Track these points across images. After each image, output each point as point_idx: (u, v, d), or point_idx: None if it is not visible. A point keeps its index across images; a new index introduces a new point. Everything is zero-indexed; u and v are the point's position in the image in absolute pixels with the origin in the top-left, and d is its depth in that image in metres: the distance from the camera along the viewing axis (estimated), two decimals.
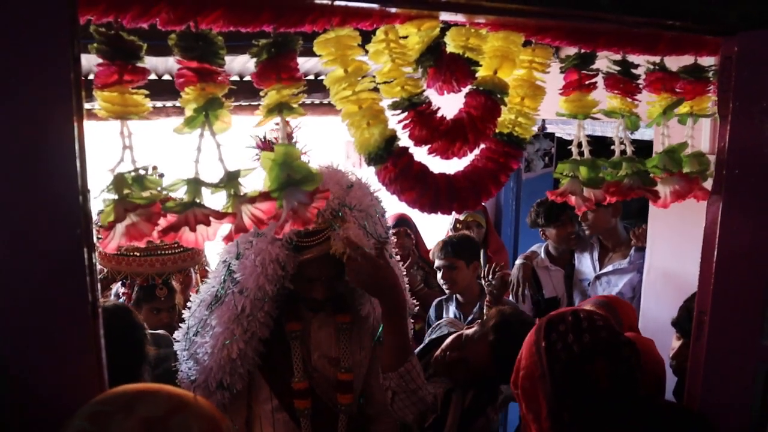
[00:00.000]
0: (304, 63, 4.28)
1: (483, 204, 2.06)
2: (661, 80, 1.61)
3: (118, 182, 1.09)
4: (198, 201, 1.13)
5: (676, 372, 2.07)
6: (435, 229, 4.30)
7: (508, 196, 4.71)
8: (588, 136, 1.63)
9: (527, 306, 3.54)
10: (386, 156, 1.36)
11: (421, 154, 1.49)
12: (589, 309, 1.46)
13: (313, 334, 2.00)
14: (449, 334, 2.32)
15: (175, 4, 1.14)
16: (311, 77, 4.70)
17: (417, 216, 3.83)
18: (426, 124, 1.39)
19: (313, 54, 1.32)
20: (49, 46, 0.92)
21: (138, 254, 2.78)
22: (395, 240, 3.60)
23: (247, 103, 4.28)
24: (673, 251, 3.00)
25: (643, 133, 2.64)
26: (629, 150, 1.62)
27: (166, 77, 4.15)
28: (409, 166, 1.39)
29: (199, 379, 1.88)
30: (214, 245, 1.43)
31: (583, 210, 1.60)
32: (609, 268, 3.48)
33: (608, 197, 1.58)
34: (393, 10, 1.30)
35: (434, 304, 3.47)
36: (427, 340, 2.49)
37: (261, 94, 1.25)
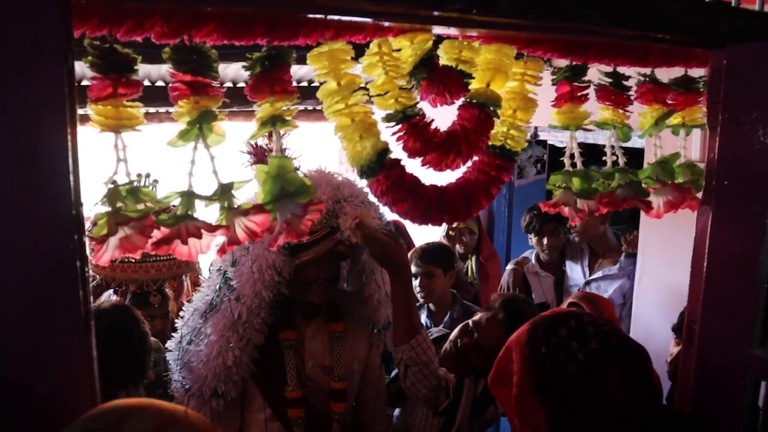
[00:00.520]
0: (298, 70, 4.29)
1: None
2: (652, 91, 1.63)
3: (112, 195, 1.10)
4: (191, 214, 1.13)
5: (672, 377, 2.08)
6: (427, 236, 4.31)
7: (501, 202, 4.73)
8: (580, 144, 1.64)
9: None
10: (378, 168, 1.37)
11: (413, 165, 1.50)
12: (589, 312, 1.40)
13: (307, 342, 2.00)
14: (445, 336, 2.32)
15: (169, 18, 1.14)
16: (305, 84, 4.71)
17: (410, 223, 3.83)
18: (420, 136, 1.40)
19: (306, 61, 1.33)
20: (43, 60, 0.92)
21: (133, 260, 2.78)
22: None
23: (239, 110, 4.29)
24: (665, 258, 3.02)
25: (634, 141, 2.66)
26: (621, 161, 1.63)
27: (160, 83, 4.16)
28: (400, 178, 1.40)
29: (194, 388, 1.87)
30: (207, 255, 1.44)
31: (576, 221, 1.61)
32: (599, 274, 3.51)
33: (601, 208, 1.59)
34: (386, 23, 1.31)
35: None
36: None
37: (255, 106, 1.26)
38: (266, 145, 1.87)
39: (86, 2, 1.04)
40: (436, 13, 1.24)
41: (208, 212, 1.19)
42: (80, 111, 1.01)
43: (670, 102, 1.66)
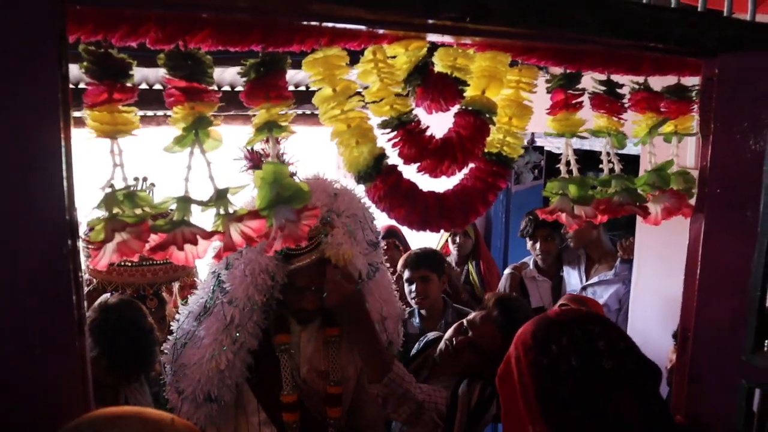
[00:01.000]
0: (295, 75, 4.30)
1: None
2: (646, 100, 1.64)
3: (109, 200, 1.10)
4: (187, 219, 1.14)
5: (671, 383, 2.09)
6: (424, 241, 4.31)
7: (498, 208, 4.74)
8: (576, 150, 1.65)
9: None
10: (375, 174, 1.38)
11: (410, 172, 1.51)
12: (600, 319, 1.22)
13: (303, 347, 2.00)
14: (440, 338, 2.32)
15: (163, 24, 1.15)
16: (302, 88, 4.72)
17: (406, 229, 3.84)
18: (415, 142, 1.41)
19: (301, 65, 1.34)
20: (37, 66, 0.93)
21: (129, 264, 2.78)
22: (384, 252, 3.60)
23: (237, 113, 4.29)
24: (661, 264, 3.03)
25: (630, 148, 2.68)
26: (617, 167, 1.64)
27: (157, 86, 4.16)
28: (397, 184, 1.41)
29: (187, 391, 1.87)
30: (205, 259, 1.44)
31: (573, 228, 1.61)
32: (594, 279, 3.53)
33: (599, 215, 1.59)
34: (381, 30, 1.32)
35: None
36: (415, 349, 2.49)
37: (250, 113, 1.26)
38: (263, 149, 1.87)
39: (81, 7, 1.04)
40: (430, 21, 1.25)
41: (203, 217, 1.20)
42: (76, 114, 1.02)
43: (663, 110, 1.66)
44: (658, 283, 3.08)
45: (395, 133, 1.43)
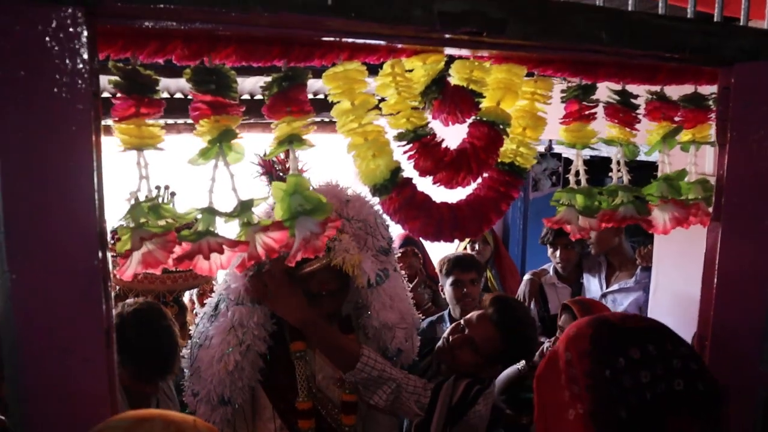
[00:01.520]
0: (313, 83, 4.34)
1: None
2: (660, 109, 1.65)
3: (135, 211, 1.14)
4: (212, 230, 1.17)
5: None
6: (442, 249, 4.33)
7: (516, 215, 4.74)
8: (593, 157, 1.66)
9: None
10: (391, 186, 1.40)
11: (423, 181, 1.53)
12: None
13: (318, 354, 2.00)
14: None
15: (189, 41, 1.19)
16: (321, 96, 4.76)
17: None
18: (430, 155, 1.43)
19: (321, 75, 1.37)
20: (71, 84, 0.96)
21: (150, 271, 2.81)
22: (402, 259, 3.62)
23: (256, 122, 4.34)
24: (680, 271, 3.02)
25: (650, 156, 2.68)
26: (626, 178, 1.65)
27: (178, 95, 4.22)
28: (412, 197, 1.43)
29: (201, 393, 1.89)
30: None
31: (577, 237, 1.62)
32: (615, 286, 3.51)
33: (603, 225, 1.60)
34: (399, 45, 1.35)
35: (425, 326, 3.30)
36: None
37: (272, 126, 1.29)
38: (276, 158, 1.90)
39: (111, 26, 1.08)
40: (447, 36, 1.28)
41: (225, 228, 1.23)
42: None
43: (678, 119, 1.67)
44: (675, 290, 3.06)
45: (411, 145, 1.45)
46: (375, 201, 1.98)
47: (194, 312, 2.44)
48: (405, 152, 1.44)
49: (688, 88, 1.71)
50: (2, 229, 0.94)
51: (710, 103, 1.68)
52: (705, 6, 1.64)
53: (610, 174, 1.71)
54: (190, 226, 1.23)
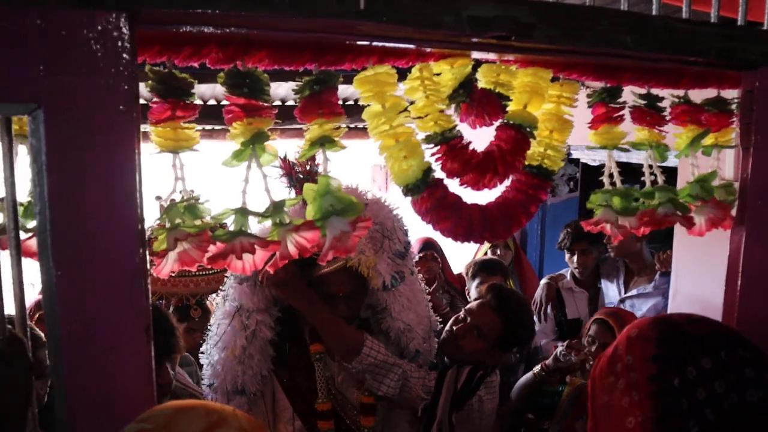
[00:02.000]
0: (344, 89, 4.40)
1: None
2: (687, 112, 1.65)
3: (172, 212, 1.17)
4: (244, 230, 1.19)
5: None
6: (460, 254, 4.34)
7: (534, 220, 4.74)
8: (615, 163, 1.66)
9: (550, 326, 3.57)
10: (423, 187, 1.42)
11: (452, 184, 1.55)
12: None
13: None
14: None
15: (224, 45, 1.22)
16: (339, 102, 4.80)
17: (442, 240, 3.88)
18: (458, 157, 1.45)
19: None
20: (115, 86, 0.99)
21: (173, 275, 2.83)
22: (421, 263, 3.64)
23: (285, 127, 4.40)
24: (699, 276, 3.01)
25: (668, 160, 2.68)
26: (660, 179, 1.65)
27: (211, 102, 4.28)
28: (444, 197, 1.45)
29: (216, 383, 1.93)
30: None
31: (618, 239, 1.62)
32: (633, 291, 3.50)
33: (642, 226, 1.61)
34: (428, 49, 1.38)
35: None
36: None
37: (303, 128, 1.32)
38: (296, 159, 1.93)
39: (148, 31, 1.11)
40: (475, 40, 1.30)
41: (256, 228, 1.25)
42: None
43: (704, 122, 1.68)
44: (695, 295, 3.05)
45: (438, 148, 1.47)
46: (394, 205, 2.01)
47: None
48: (433, 154, 1.46)
49: (710, 93, 1.72)
50: (49, 228, 0.97)
51: (733, 107, 1.69)
52: (728, 11, 1.64)
53: (634, 182, 1.71)
54: (224, 227, 1.26)
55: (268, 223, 1.23)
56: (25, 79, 0.94)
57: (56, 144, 0.96)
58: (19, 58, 0.94)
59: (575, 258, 3.65)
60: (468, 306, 2.32)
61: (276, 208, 1.22)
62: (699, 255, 2.96)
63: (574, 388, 2.44)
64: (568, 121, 1.59)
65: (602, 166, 1.66)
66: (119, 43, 0.99)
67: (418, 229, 2.10)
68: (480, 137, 1.60)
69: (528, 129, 1.52)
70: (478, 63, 1.49)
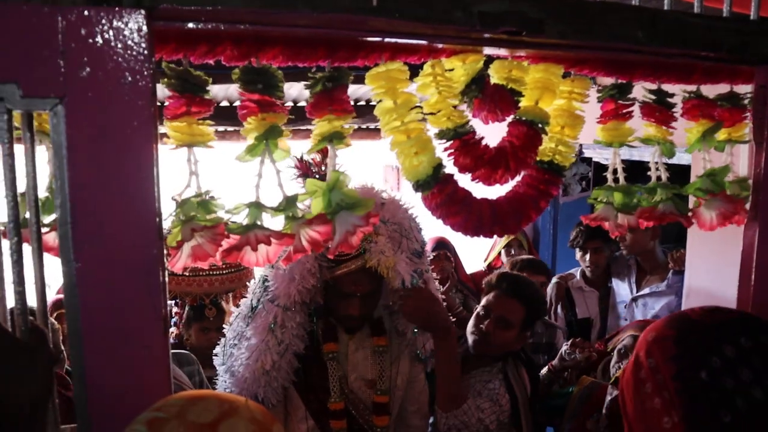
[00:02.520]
0: (357, 89, 4.42)
1: None
2: (698, 107, 1.65)
3: (187, 206, 1.18)
4: (259, 223, 1.21)
5: None
6: (474, 253, 4.34)
7: (546, 220, 4.73)
8: (625, 161, 1.67)
9: (560, 325, 3.57)
10: (433, 182, 1.43)
11: (462, 180, 1.56)
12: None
13: (350, 356, 2.03)
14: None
15: (238, 42, 1.24)
16: (362, 103, 4.83)
17: (456, 240, 3.88)
18: (470, 152, 1.46)
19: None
20: (134, 81, 1.01)
21: (187, 274, 2.86)
22: (435, 263, 3.65)
23: (297, 128, 4.43)
24: (713, 274, 2.99)
25: (680, 158, 2.67)
26: (664, 176, 1.65)
27: (224, 104, 4.31)
28: (454, 192, 1.46)
29: (235, 392, 1.91)
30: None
31: (616, 234, 1.63)
32: (646, 290, 3.49)
33: (642, 222, 1.61)
34: (439, 45, 1.39)
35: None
36: None
37: (313, 123, 1.34)
38: (312, 158, 1.95)
39: (164, 27, 1.13)
40: (486, 35, 1.31)
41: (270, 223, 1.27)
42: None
43: (716, 117, 1.68)
44: (709, 293, 3.04)
45: (451, 143, 1.48)
46: (409, 205, 2.02)
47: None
48: (446, 149, 1.47)
49: (722, 88, 1.71)
50: (69, 221, 0.99)
51: (746, 102, 1.68)
52: (741, 7, 1.64)
53: (645, 179, 1.72)
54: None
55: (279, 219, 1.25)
56: (47, 76, 0.96)
57: (76, 138, 0.98)
58: (41, 55, 0.96)
59: (587, 256, 3.64)
60: (484, 302, 2.35)
61: (289, 202, 1.23)
62: (713, 252, 2.94)
63: (584, 386, 2.44)
64: (579, 117, 1.59)
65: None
66: (137, 40, 1.01)
67: (430, 229, 2.11)
68: (492, 133, 1.61)
69: (540, 125, 1.53)
70: (489, 59, 1.50)
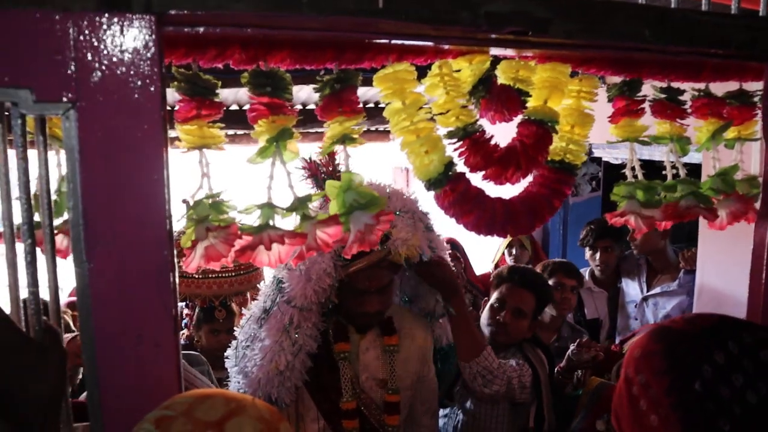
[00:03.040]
0: (367, 91, 4.43)
1: None
2: (708, 105, 1.64)
3: (200, 207, 1.20)
4: (271, 224, 1.22)
5: None
6: (483, 254, 4.33)
7: (556, 220, 4.72)
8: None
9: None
10: (445, 181, 1.44)
11: (475, 179, 1.56)
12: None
13: (362, 355, 2.03)
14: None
15: (246, 46, 1.25)
16: (371, 105, 4.84)
17: (465, 242, 3.88)
18: (480, 151, 1.47)
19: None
20: (144, 86, 1.03)
21: (197, 276, 2.87)
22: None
23: (306, 131, 4.45)
24: (724, 273, 2.98)
25: (691, 156, 2.66)
26: (682, 172, 1.64)
27: (234, 107, 4.34)
28: (466, 190, 1.46)
29: (248, 393, 1.88)
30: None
31: (642, 231, 1.60)
32: (657, 289, 3.48)
33: (666, 219, 1.60)
34: (446, 46, 1.39)
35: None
36: None
37: (324, 125, 1.35)
38: (320, 160, 1.95)
39: (173, 32, 1.14)
40: (492, 36, 1.31)
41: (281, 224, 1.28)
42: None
43: (725, 115, 1.67)
44: (721, 293, 3.03)
45: (461, 142, 1.49)
46: (413, 196, 2.03)
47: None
48: (456, 149, 1.47)
49: (731, 86, 1.71)
50: (81, 222, 1.00)
51: (756, 99, 1.68)
52: (749, 3, 1.64)
53: (655, 178, 1.71)
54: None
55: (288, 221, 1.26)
56: (59, 81, 0.98)
57: (88, 142, 1.00)
58: (53, 61, 0.98)
59: (597, 255, 3.63)
60: (497, 295, 2.53)
61: (301, 202, 1.24)
62: (725, 251, 2.93)
63: (593, 387, 2.44)
64: (588, 116, 1.59)
65: (625, 165, 1.65)
66: (147, 45, 1.02)
67: (440, 230, 2.11)
68: (499, 136, 1.61)
69: (549, 124, 1.53)
70: (496, 60, 1.51)
